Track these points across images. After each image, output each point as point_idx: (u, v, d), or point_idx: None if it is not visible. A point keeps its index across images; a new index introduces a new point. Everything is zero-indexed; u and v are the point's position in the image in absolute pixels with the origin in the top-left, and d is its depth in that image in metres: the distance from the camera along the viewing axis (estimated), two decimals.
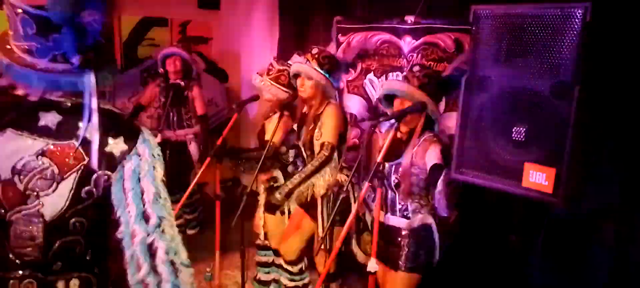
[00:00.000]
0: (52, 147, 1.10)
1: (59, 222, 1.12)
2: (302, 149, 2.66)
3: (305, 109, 2.71)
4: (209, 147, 3.99)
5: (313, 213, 2.67)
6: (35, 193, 1.09)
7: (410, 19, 3.13)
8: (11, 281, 1.11)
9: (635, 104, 2.10)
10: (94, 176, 1.13)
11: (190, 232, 4.30)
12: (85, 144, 1.11)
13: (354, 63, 3.44)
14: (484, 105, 1.73)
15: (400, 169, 2.15)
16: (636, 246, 2.18)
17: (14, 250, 1.11)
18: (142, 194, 1.15)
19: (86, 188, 1.13)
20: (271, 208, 2.97)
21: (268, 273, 3.18)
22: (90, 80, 1.10)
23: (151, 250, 1.11)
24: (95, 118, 1.10)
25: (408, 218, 2.22)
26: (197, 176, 2.93)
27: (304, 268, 2.91)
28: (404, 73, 3.17)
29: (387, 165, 2.20)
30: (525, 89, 1.61)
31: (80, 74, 1.10)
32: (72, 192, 1.11)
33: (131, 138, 1.19)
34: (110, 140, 1.15)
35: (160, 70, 4.01)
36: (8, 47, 1.08)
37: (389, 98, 2.29)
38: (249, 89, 4.66)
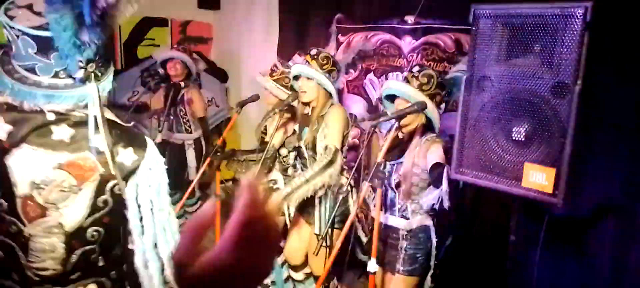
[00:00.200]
0: (68, 159, 1.12)
1: (78, 232, 1.14)
2: (304, 150, 2.66)
3: (306, 110, 2.70)
4: (210, 147, 4.00)
5: (308, 218, 2.68)
6: (54, 205, 1.11)
7: (410, 19, 3.13)
8: None
9: (635, 104, 2.10)
10: (109, 185, 1.16)
11: None
12: (99, 154, 1.14)
13: (354, 63, 3.44)
14: (484, 105, 1.73)
15: (401, 169, 2.15)
16: (636, 245, 2.18)
17: (32, 266, 1.12)
18: (152, 206, 1.20)
19: (102, 197, 1.15)
20: None
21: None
22: (94, 92, 1.12)
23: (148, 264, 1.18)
24: (103, 129, 1.13)
25: (407, 218, 2.22)
26: (197, 176, 2.93)
27: (309, 273, 2.90)
28: (404, 73, 3.18)
29: (388, 164, 2.20)
30: (525, 89, 1.61)
31: (84, 87, 1.12)
32: (90, 202, 1.13)
33: (140, 148, 1.22)
34: (121, 150, 1.19)
35: (160, 70, 4.00)
36: (9, 66, 1.10)
37: (389, 98, 2.29)
38: (249, 89, 4.66)
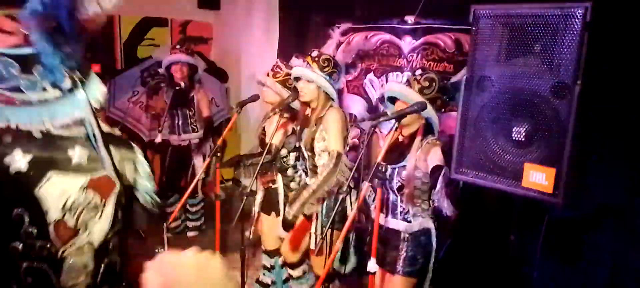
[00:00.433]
0: (91, 179, 1.17)
1: (103, 245, 1.19)
2: (304, 150, 2.67)
3: (307, 111, 2.71)
4: (210, 147, 4.00)
5: (308, 216, 2.68)
6: (85, 224, 1.16)
7: (410, 19, 3.13)
8: None
9: (635, 104, 2.10)
10: (122, 196, 1.21)
11: (190, 234, 4.31)
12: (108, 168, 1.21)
13: (354, 63, 3.44)
14: (484, 105, 1.73)
15: (404, 173, 2.15)
16: (636, 245, 2.18)
17: (67, 286, 1.17)
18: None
19: (120, 209, 1.21)
20: (266, 209, 2.97)
21: (269, 276, 3.18)
22: (84, 97, 1.16)
23: None
24: (101, 141, 1.18)
25: (409, 221, 2.22)
26: (197, 176, 2.94)
27: (306, 271, 2.90)
28: (405, 73, 3.18)
29: (389, 168, 2.20)
30: (525, 89, 1.61)
31: (74, 96, 1.15)
32: (112, 215, 1.19)
33: (130, 154, 1.27)
34: (116, 159, 1.23)
35: (161, 70, 4.01)
36: None
37: (390, 100, 2.29)
38: (249, 89, 4.66)
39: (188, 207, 4.22)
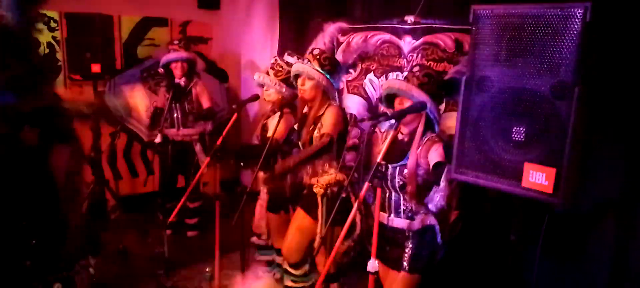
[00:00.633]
0: None
1: None
2: (302, 149, 2.66)
3: (305, 109, 2.71)
4: (210, 146, 4.00)
5: (314, 214, 2.67)
6: None
7: (410, 19, 3.13)
8: None
9: (635, 104, 2.10)
10: None
11: (190, 234, 4.31)
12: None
13: (354, 63, 3.44)
14: (484, 105, 1.73)
15: (405, 171, 2.15)
16: (636, 245, 2.18)
17: None
18: None
19: None
20: (275, 207, 2.96)
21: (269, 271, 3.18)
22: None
23: None
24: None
25: (412, 219, 2.22)
26: (198, 176, 2.93)
27: (307, 271, 2.89)
28: (404, 73, 3.18)
29: (390, 166, 2.20)
30: (525, 89, 1.61)
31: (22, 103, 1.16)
32: None
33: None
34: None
35: (160, 70, 4.00)
36: None
37: (389, 98, 2.29)
38: (249, 89, 4.67)
39: (187, 204, 4.22)
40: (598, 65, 1.75)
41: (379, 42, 3.37)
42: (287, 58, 2.94)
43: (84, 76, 4.33)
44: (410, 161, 2.14)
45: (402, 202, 2.22)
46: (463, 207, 2.37)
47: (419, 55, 3.11)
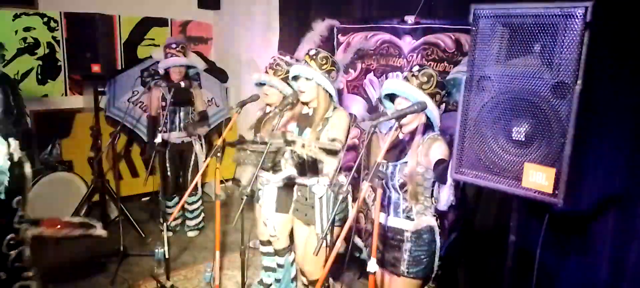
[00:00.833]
0: None
1: None
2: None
3: (304, 110, 2.70)
4: (210, 146, 4.02)
5: (310, 219, 2.66)
6: None
7: (410, 19, 3.13)
8: None
9: (635, 104, 2.10)
10: None
11: (190, 234, 4.31)
12: None
13: (353, 63, 3.44)
14: (484, 105, 1.73)
15: (405, 170, 2.15)
16: (636, 245, 2.18)
17: None
18: None
19: None
20: (282, 207, 2.91)
21: (274, 275, 3.17)
22: None
23: None
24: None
25: (412, 219, 2.22)
26: (198, 175, 2.93)
27: (328, 286, 2.84)
28: (404, 73, 3.18)
29: (390, 165, 2.20)
30: (525, 89, 1.61)
31: None
32: None
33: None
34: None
35: (160, 70, 4.01)
36: None
37: (389, 97, 2.29)
38: (249, 89, 4.66)
39: (187, 204, 4.23)
40: (598, 65, 1.74)
41: (379, 42, 3.37)
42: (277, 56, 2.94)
43: (84, 76, 4.34)
44: (411, 160, 2.14)
45: (401, 201, 2.22)
46: (463, 206, 2.37)
47: (419, 55, 3.11)
